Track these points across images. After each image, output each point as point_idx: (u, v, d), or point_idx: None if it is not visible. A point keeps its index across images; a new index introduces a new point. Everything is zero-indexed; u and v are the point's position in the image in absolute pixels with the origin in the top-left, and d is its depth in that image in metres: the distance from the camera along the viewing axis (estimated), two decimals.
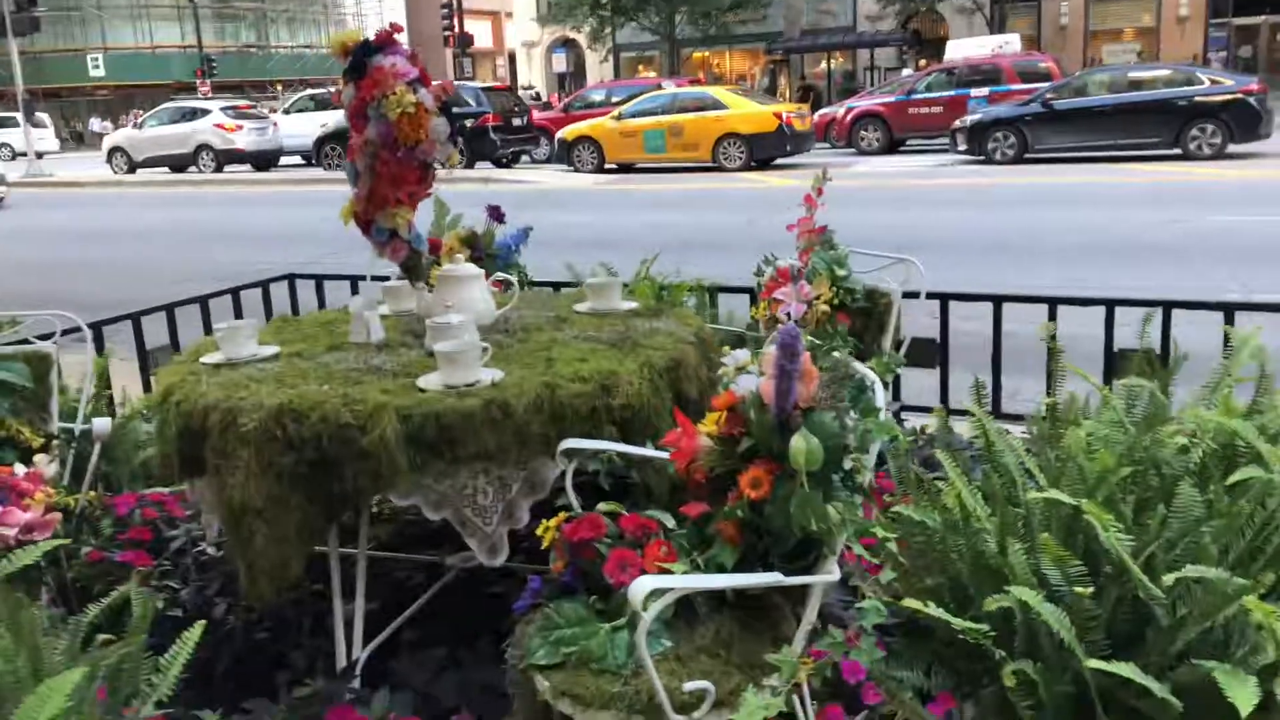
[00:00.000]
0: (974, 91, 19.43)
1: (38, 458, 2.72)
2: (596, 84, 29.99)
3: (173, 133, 23.83)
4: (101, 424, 2.81)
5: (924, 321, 3.92)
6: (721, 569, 1.87)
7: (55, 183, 23.45)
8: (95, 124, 41.66)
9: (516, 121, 21.37)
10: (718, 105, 18.59)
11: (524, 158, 22.22)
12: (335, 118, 22.78)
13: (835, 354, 1.85)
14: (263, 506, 2.22)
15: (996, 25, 29.64)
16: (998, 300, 4.12)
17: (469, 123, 19.18)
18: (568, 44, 39.80)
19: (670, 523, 2.07)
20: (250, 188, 20.50)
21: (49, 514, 2.53)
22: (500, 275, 3.18)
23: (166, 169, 23.82)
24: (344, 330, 2.91)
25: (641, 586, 1.60)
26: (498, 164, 20.68)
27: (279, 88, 44.90)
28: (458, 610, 2.85)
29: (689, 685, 1.74)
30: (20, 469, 2.65)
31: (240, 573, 2.33)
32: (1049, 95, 16.71)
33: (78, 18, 46.13)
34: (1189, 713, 1.75)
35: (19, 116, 29.64)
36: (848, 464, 1.75)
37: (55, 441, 2.92)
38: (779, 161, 18.68)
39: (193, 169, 23.51)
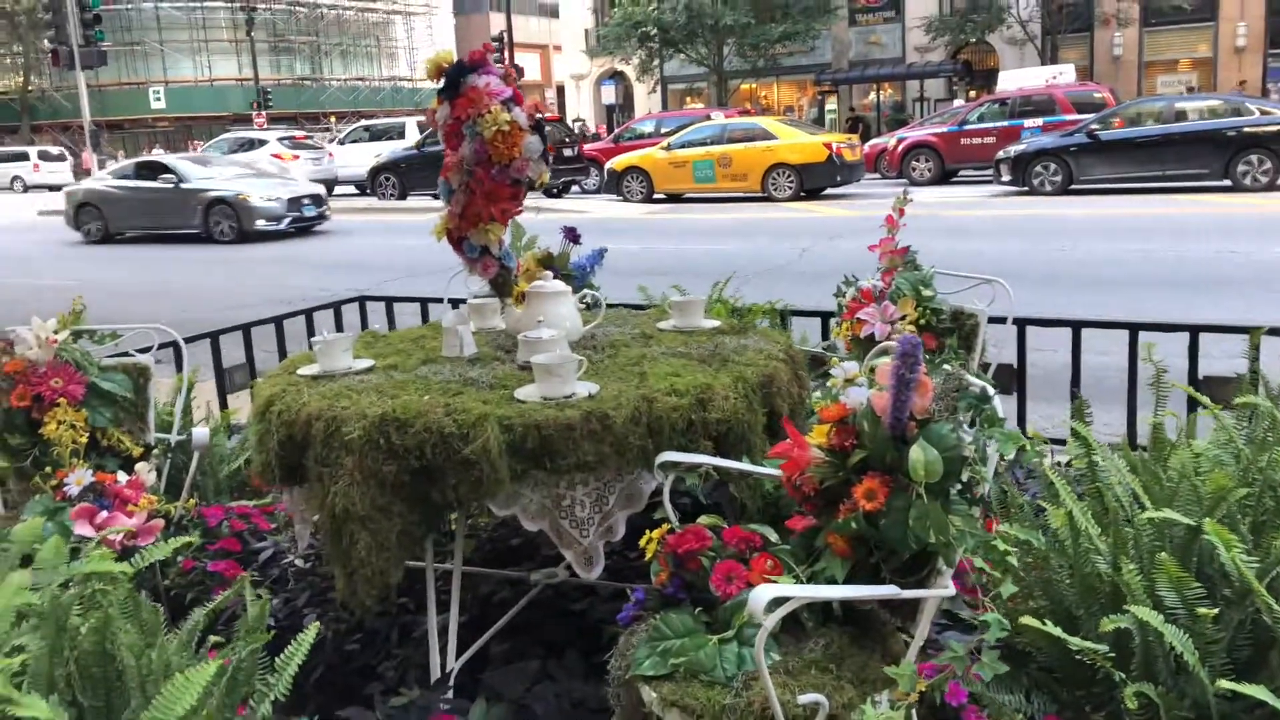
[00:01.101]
0: (1027, 122, 19.31)
1: (139, 466, 2.78)
2: (646, 115, 30.23)
3: (231, 163, 24.29)
4: (201, 433, 2.86)
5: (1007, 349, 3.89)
6: (831, 582, 1.85)
7: None
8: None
9: (567, 152, 21.62)
10: (767, 135, 18.62)
11: (574, 188, 22.43)
12: (389, 149, 23.20)
13: (946, 367, 1.84)
14: (365, 514, 2.24)
15: (1048, 56, 29.44)
16: (1076, 326, 4.07)
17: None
18: (616, 76, 40.17)
19: (774, 536, 2.06)
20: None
21: (152, 521, 2.58)
22: (588, 291, 3.20)
23: None
24: (434, 345, 2.94)
25: (763, 595, 1.60)
26: (548, 194, 20.89)
27: (332, 119, 45.77)
28: (542, 626, 2.86)
29: (803, 698, 1.72)
30: (123, 476, 2.71)
31: (339, 580, 2.35)
32: (1094, 126, 16.57)
33: (140, 52, 47.47)
34: None
35: (31, 150, 30.76)
36: (965, 476, 1.74)
37: (153, 451, 2.98)
38: (829, 191, 18.65)
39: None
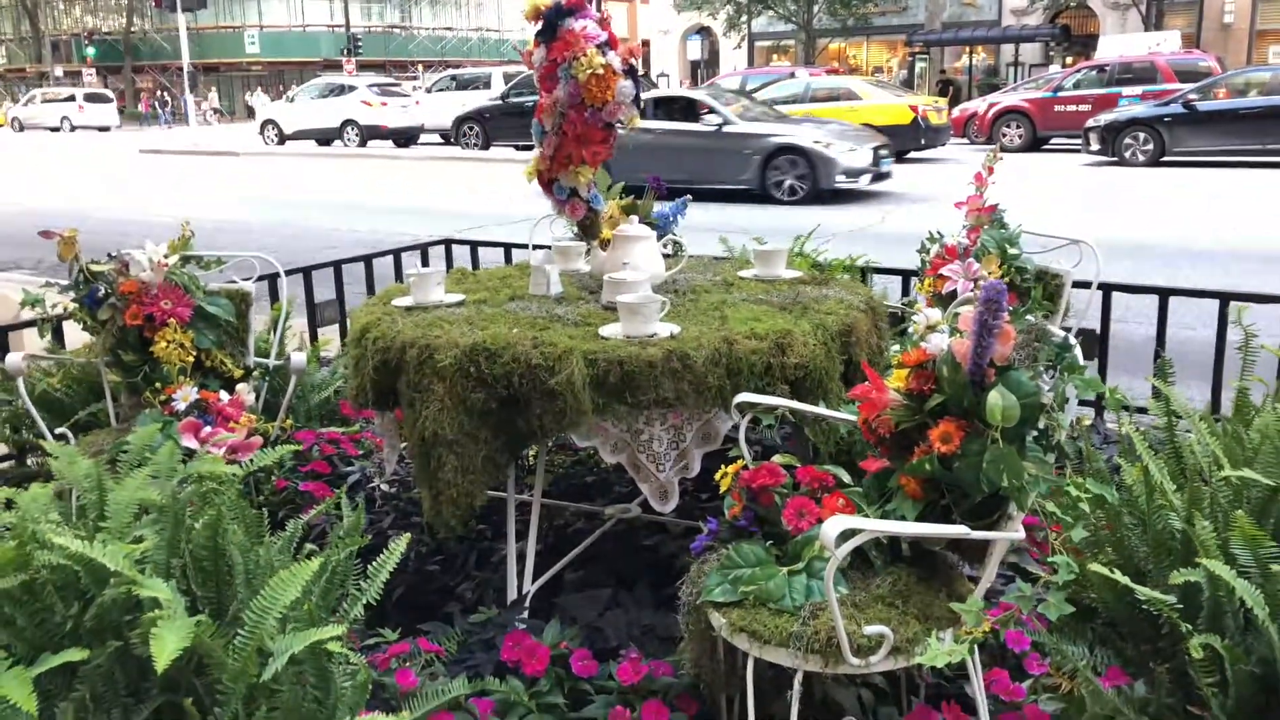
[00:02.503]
0: (1125, 90, 18.66)
1: (239, 386, 2.93)
2: (731, 72, 29.90)
3: (321, 107, 24.76)
4: (299, 358, 3.00)
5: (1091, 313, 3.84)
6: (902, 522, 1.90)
7: (212, 151, 24.71)
8: (257, 99, 43.66)
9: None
10: (852, 96, 18.26)
11: None
12: (474, 99, 23.34)
13: (1030, 318, 1.85)
14: (454, 438, 2.35)
15: (1152, 22, 28.31)
16: (1164, 293, 4.00)
17: None
18: (702, 31, 39.76)
19: (846, 478, 2.11)
20: (394, 163, 21.19)
21: (251, 437, 2.73)
22: (672, 238, 3.26)
23: (314, 142, 24.80)
24: (521, 285, 3.03)
25: (835, 525, 1.65)
26: None
27: (420, 68, 46.17)
28: (615, 559, 2.95)
29: (869, 629, 1.78)
30: (225, 395, 2.86)
31: (425, 501, 2.47)
32: (1191, 95, 15.95)
33: None
34: None
35: (78, 92, 31.66)
36: (1042, 423, 1.76)
37: (252, 374, 3.13)
38: (913, 155, 18.27)
39: (338, 143, 24.41)
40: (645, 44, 45.87)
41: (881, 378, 1.96)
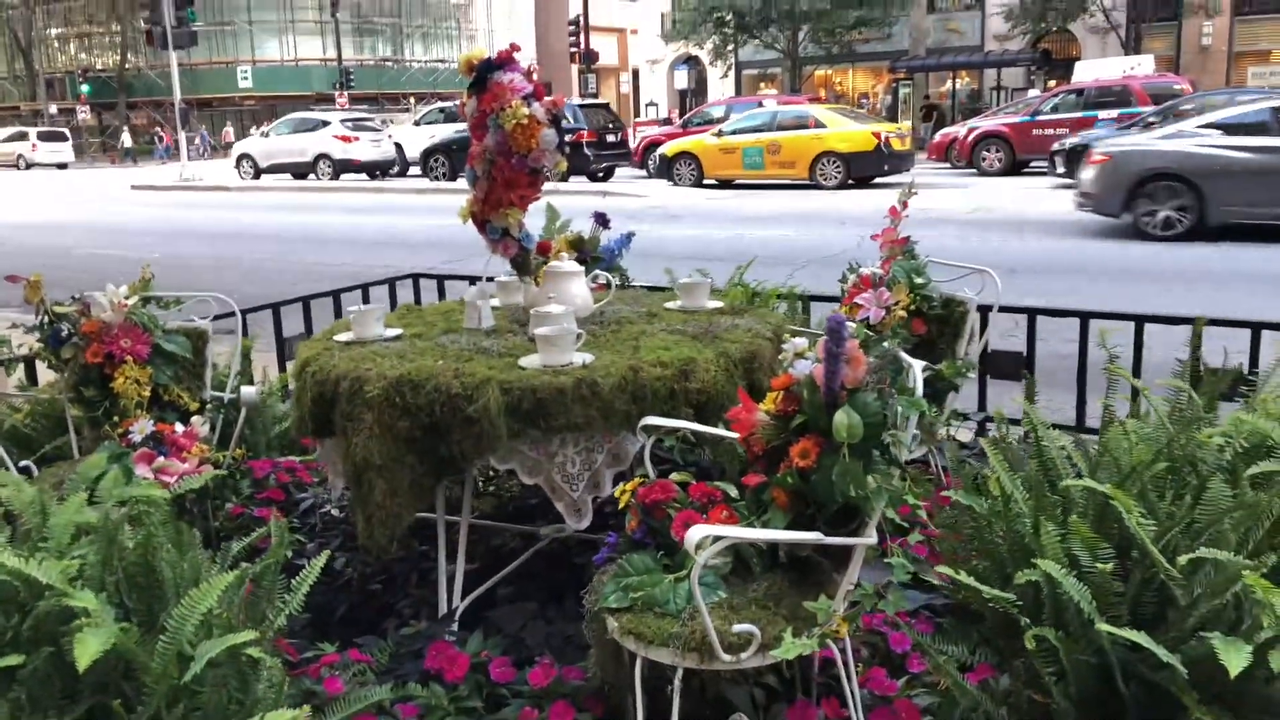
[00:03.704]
0: (1102, 114, 19.00)
1: (194, 419, 3.13)
2: (717, 100, 30.33)
3: (295, 142, 25.51)
4: (250, 391, 3.20)
5: (1007, 334, 4.04)
6: None
7: (204, 187, 25.04)
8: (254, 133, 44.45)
9: (610, 138, 22.03)
10: (818, 124, 18.83)
11: (617, 171, 22.83)
12: (442, 131, 23.93)
13: (884, 345, 2.06)
14: (382, 464, 2.55)
15: (1132, 46, 28.76)
16: (1084, 317, 4.22)
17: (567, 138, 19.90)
18: (690, 61, 40.28)
19: (734, 493, 2.31)
20: (373, 196, 21.48)
21: (202, 466, 2.92)
22: (601, 273, 3.46)
23: (289, 175, 25.44)
24: (460, 318, 3.24)
25: (696, 532, 1.85)
26: (591, 178, 21.30)
27: (412, 100, 46.68)
28: (548, 576, 3.14)
29: (737, 627, 1.97)
30: (180, 428, 3.06)
31: (359, 522, 2.66)
32: (1151, 119, 16.25)
33: (230, 31, 49.02)
34: (1198, 684, 1.91)
35: (31, 131, 32.66)
36: (887, 440, 1.96)
37: (208, 408, 3.33)
38: (883, 180, 18.68)
39: (311, 176, 25.07)
40: (635, 74, 46.43)
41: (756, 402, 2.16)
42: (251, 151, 26.29)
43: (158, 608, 1.96)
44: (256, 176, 25.73)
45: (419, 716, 2.33)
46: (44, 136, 40.22)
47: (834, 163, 18.39)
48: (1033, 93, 26.52)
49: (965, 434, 4.03)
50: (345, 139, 24.72)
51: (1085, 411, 4.20)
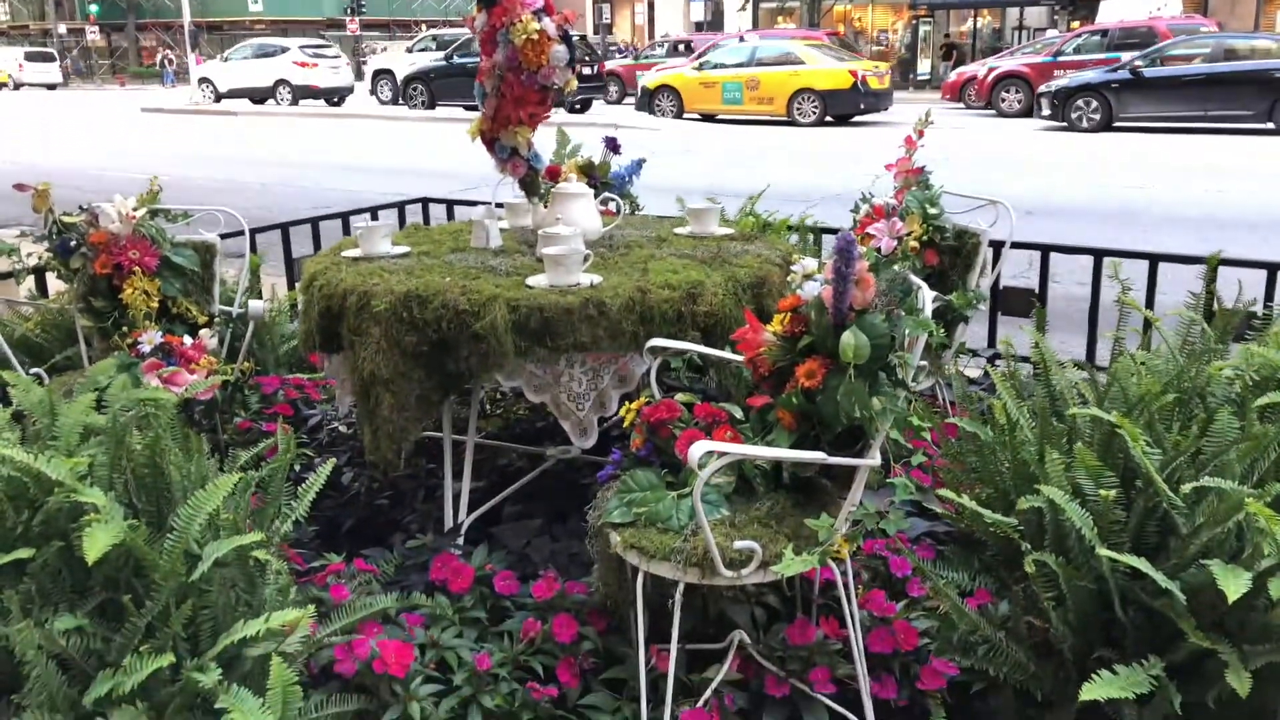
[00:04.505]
0: (1125, 55, 18.63)
1: (202, 332, 3.14)
2: (734, 33, 29.76)
3: (255, 67, 26.34)
4: (257, 305, 3.20)
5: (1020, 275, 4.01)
6: None
7: (213, 111, 24.88)
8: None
9: (586, 70, 21.92)
10: (796, 60, 18.99)
11: (594, 104, 22.82)
12: (422, 59, 24.27)
13: (895, 268, 2.04)
14: (389, 378, 2.55)
15: None
16: (1098, 254, 4.18)
17: None
18: None
19: (739, 414, 2.31)
20: (387, 124, 21.29)
21: (210, 377, 2.93)
22: (610, 197, 3.43)
23: (247, 100, 26.25)
24: (468, 238, 3.22)
25: (698, 449, 1.86)
26: (570, 110, 21.20)
27: (423, 27, 45.96)
28: (554, 495, 3.17)
29: (738, 544, 1.99)
30: (188, 340, 3.06)
31: (365, 436, 2.68)
32: (1138, 62, 16.25)
33: None
34: (1197, 610, 1.92)
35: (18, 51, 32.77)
36: (893, 361, 1.95)
37: (216, 321, 3.33)
38: (868, 119, 18.90)
39: (270, 101, 25.93)
40: (650, 4, 45.57)
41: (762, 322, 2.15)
42: (211, 76, 27.20)
43: (165, 508, 1.99)
44: (217, 100, 26.68)
45: (424, 625, 2.36)
46: (31, 57, 40.29)
47: (811, 99, 18.62)
48: (1051, 33, 26.06)
49: (975, 371, 4.02)
50: (304, 64, 25.74)
51: (1095, 351, 4.19)
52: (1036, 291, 4.22)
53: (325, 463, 2.18)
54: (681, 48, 26.16)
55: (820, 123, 18.44)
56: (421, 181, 11.24)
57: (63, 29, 48.71)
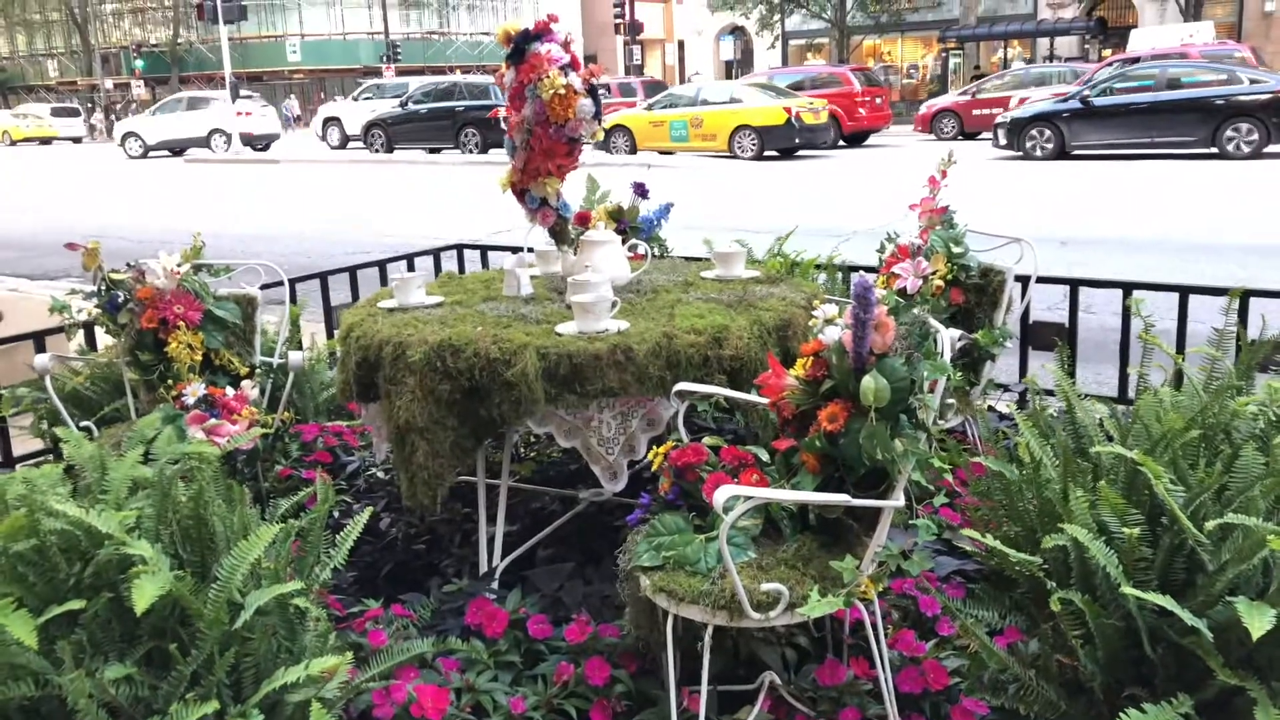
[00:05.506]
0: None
1: (244, 383, 3.23)
2: (764, 72, 30.00)
3: (184, 119, 28.22)
4: (297, 356, 3.30)
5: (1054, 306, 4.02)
6: None
7: (253, 160, 25.44)
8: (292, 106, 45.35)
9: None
10: (736, 100, 20.31)
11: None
12: (383, 106, 25.51)
13: (915, 311, 2.08)
14: (424, 425, 2.62)
15: (1191, 12, 27.99)
16: (1127, 287, 4.18)
17: (489, 114, 21.44)
18: (735, 31, 39.91)
19: (765, 457, 2.35)
20: (422, 169, 21.67)
21: (252, 428, 3.02)
22: (638, 243, 3.50)
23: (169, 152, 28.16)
24: (500, 286, 3.30)
25: (724, 493, 1.90)
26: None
27: (457, 72, 46.81)
28: (587, 537, 3.21)
29: (765, 586, 2.02)
30: (230, 391, 3.16)
31: (402, 483, 2.75)
32: (1086, 92, 16.69)
33: (279, 5, 49.42)
34: (1225, 648, 1.92)
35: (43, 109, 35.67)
36: (914, 404, 1.99)
37: (257, 372, 3.43)
38: (817, 153, 20.12)
39: (206, 150, 27.58)
40: (680, 45, 46.08)
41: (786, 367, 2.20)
42: (138, 130, 29.13)
43: (209, 558, 2.06)
44: (144, 155, 28.49)
45: (460, 669, 2.41)
46: (56, 113, 43.00)
47: (750, 136, 19.80)
48: (1017, 65, 26.36)
49: (1007, 406, 4.03)
50: (241, 114, 27.57)
51: (1128, 384, 4.17)
52: (1066, 326, 4.23)
53: (363, 509, 2.25)
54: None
55: (760, 157, 19.66)
56: (457, 227, 11.44)
57: (109, 84, 50.13)
